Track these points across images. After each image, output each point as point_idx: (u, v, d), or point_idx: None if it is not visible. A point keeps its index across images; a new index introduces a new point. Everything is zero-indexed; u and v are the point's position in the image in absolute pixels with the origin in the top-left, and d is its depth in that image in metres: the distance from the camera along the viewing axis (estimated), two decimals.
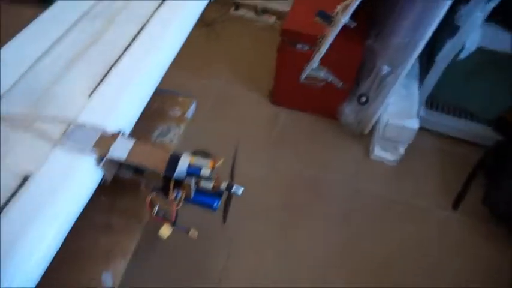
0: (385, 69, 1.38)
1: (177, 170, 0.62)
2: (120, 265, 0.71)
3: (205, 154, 0.67)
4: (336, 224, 1.51)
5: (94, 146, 0.65)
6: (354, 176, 1.66)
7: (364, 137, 1.77)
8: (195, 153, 0.67)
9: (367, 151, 1.74)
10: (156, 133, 0.86)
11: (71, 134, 0.65)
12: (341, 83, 1.42)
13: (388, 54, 1.37)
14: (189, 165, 0.62)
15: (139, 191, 0.79)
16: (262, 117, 1.84)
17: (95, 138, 0.65)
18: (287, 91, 1.81)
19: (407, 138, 1.55)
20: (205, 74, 1.97)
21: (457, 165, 1.70)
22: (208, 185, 0.66)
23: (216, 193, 0.71)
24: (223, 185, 0.67)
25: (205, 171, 0.62)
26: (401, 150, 1.63)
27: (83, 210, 0.63)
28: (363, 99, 1.47)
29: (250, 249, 1.42)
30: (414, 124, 1.50)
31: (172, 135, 0.85)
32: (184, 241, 1.37)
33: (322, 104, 1.79)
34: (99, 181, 0.66)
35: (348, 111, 1.69)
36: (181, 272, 1.34)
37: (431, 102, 1.78)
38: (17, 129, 0.68)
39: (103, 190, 0.77)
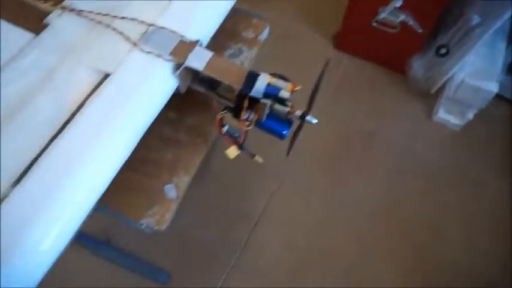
0: (475, 19, 1.23)
1: (255, 87, 0.59)
2: (185, 179, 0.71)
3: (283, 78, 0.63)
4: (385, 180, 1.46)
5: (171, 52, 0.63)
6: (411, 136, 1.58)
7: (429, 96, 1.65)
8: (272, 75, 0.63)
9: (430, 112, 1.63)
10: (228, 53, 0.82)
11: (150, 36, 0.63)
12: (421, 29, 1.29)
13: (482, 2, 1.21)
14: (268, 85, 0.59)
15: (208, 110, 0.79)
16: (322, 64, 1.74)
17: (173, 44, 0.63)
18: (354, 36, 1.69)
19: (481, 102, 1.42)
20: (269, 7, 1.87)
21: None
22: (283, 109, 0.63)
23: (287, 121, 0.68)
24: (298, 112, 0.64)
25: (284, 93, 0.59)
26: (470, 115, 1.50)
27: (154, 122, 0.63)
28: (443, 50, 1.34)
29: (295, 191, 1.42)
30: (493, 87, 1.36)
31: (244, 58, 0.82)
32: (233, 172, 1.42)
33: (390, 55, 1.66)
34: (173, 90, 0.64)
35: (418, 65, 1.56)
36: (226, 201, 1.38)
37: None
38: (95, 27, 0.67)
39: (172, 107, 0.77)
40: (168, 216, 0.68)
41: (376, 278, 1.28)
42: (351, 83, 1.69)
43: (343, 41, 1.75)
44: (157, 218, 0.67)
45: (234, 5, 0.77)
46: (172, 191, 0.70)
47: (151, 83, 0.61)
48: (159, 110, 0.63)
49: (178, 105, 0.76)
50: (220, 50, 0.82)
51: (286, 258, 1.29)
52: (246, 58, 0.82)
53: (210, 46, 0.70)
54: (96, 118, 0.58)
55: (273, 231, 1.34)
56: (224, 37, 0.84)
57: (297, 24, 1.85)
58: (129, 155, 0.60)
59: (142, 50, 0.62)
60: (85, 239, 1.22)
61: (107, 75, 0.61)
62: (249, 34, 0.85)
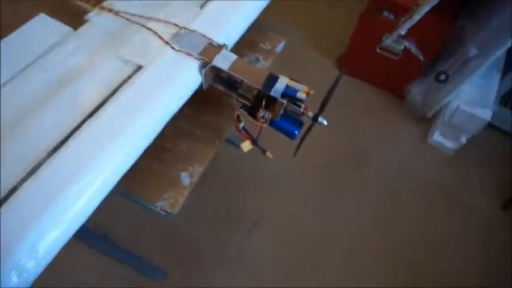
0: (473, 51, 1.33)
1: (274, 87, 0.65)
2: (197, 170, 0.77)
3: (298, 82, 0.70)
4: (377, 198, 1.52)
5: (200, 53, 0.69)
6: (405, 157, 1.64)
7: (425, 120, 1.73)
8: (291, 78, 0.70)
9: (425, 135, 1.71)
10: (246, 60, 0.89)
11: (181, 37, 0.70)
12: (422, 56, 1.38)
13: (481, 36, 1.31)
14: (287, 86, 0.66)
15: (223, 108, 0.85)
16: (326, 82, 1.82)
17: (202, 46, 0.70)
18: (357, 60, 1.78)
19: (475, 128, 1.50)
20: (275, 28, 1.97)
21: None
22: (297, 109, 0.69)
23: (298, 122, 0.74)
24: (311, 114, 0.70)
25: (301, 95, 0.65)
26: (463, 139, 1.58)
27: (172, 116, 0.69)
28: (442, 76, 1.42)
29: (289, 199, 1.46)
30: (486, 115, 1.45)
31: (260, 66, 0.89)
32: (228, 177, 1.47)
33: (391, 79, 1.75)
34: (197, 86, 0.71)
35: (416, 90, 1.65)
36: (222, 204, 1.42)
37: (507, 100, 1.70)
38: (131, 26, 0.74)
39: (188, 104, 0.83)
40: (181, 201, 0.73)
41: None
42: (349, 103, 1.77)
43: (346, 64, 1.84)
44: (171, 202, 0.72)
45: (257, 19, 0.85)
46: (186, 179, 0.75)
47: (179, 77, 0.68)
48: (183, 103, 0.69)
49: (195, 102, 0.82)
50: (239, 56, 0.89)
51: (277, 263, 1.32)
52: (262, 66, 0.89)
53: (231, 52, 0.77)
54: (125, 106, 0.63)
55: (265, 236, 1.37)
56: (243, 46, 0.91)
57: (301, 46, 1.94)
58: (150, 142, 0.65)
59: (173, 48, 0.69)
60: (82, 232, 1.25)
61: (139, 68, 0.67)
62: (266, 46, 0.93)
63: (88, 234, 1.25)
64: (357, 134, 1.68)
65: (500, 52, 1.28)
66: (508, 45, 1.30)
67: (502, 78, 1.57)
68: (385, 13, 1.54)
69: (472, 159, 1.66)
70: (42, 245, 0.49)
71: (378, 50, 1.64)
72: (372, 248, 1.40)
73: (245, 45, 0.91)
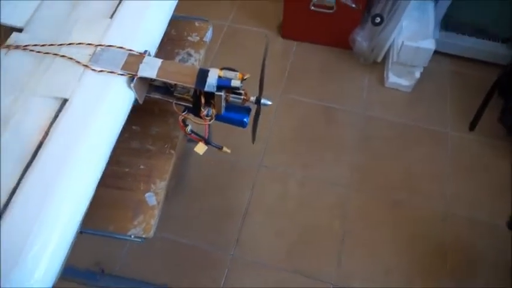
0: None
1: (207, 82, 0.63)
2: (160, 185, 0.75)
3: (231, 69, 0.68)
4: (353, 150, 1.54)
5: (123, 67, 0.66)
6: (369, 104, 1.66)
7: (378, 65, 1.75)
8: (221, 69, 0.68)
9: (382, 79, 1.72)
10: (177, 59, 0.86)
11: (99, 56, 0.66)
12: (354, 4, 1.38)
13: None
14: (219, 77, 0.63)
15: (169, 117, 0.82)
16: (273, 52, 1.81)
17: (123, 59, 0.66)
18: (297, 23, 1.77)
19: (424, 60, 1.52)
20: (210, 13, 1.91)
21: (473, 87, 1.68)
22: (238, 99, 0.67)
23: (245, 109, 0.72)
24: (253, 99, 0.69)
25: (236, 82, 0.63)
26: (417, 74, 1.61)
27: (120, 138, 0.66)
28: (378, 19, 1.43)
29: (272, 179, 1.47)
30: (430, 44, 1.47)
31: (194, 61, 0.86)
32: (208, 177, 1.46)
33: (334, 33, 1.75)
34: (131, 102, 0.68)
35: (361, 38, 1.65)
36: (208, 206, 1.41)
37: (446, 24, 1.73)
38: (44, 58, 0.69)
39: (134, 120, 0.80)
40: (154, 223, 0.71)
41: (370, 243, 1.35)
42: (302, 68, 1.76)
43: (288, 30, 1.82)
44: (144, 226, 0.70)
45: (174, 13, 0.81)
46: (152, 198, 0.73)
47: (110, 99, 0.64)
48: (122, 124, 0.66)
49: (140, 118, 0.79)
50: (170, 57, 0.86)
51: (279, 244, 1.34)
52: (196, 60, 0.86)
53: (160, 56, 0.74)
54: (64, 143, 0.60)
55: (260, 222, 1.38)
56: (171, 44, 0.87)
57: (241, 23, 1.91)
58: (101, 172, 0.62)
59: (94, 70, 0.65)
60: (81, 274, 1.23)
61: (65, 101, 0.63)
62: (194, 37, 0.89)
63: (87, 276, 1.24)
64: (317, 95, 1.68)
65: None
66: None
67: (435, 5, 1.59)
68: None
69: (429, 90, 1.70)
70: None
71: (313, 8, 1.64)
72: (363, 201, 1.43)
73: (172, 43, 0.88)
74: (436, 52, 1.52)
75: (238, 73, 0.64)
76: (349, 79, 1.74)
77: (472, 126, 1.62)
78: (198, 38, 0.89)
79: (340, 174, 1.48)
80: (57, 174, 0.57)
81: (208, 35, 0.89)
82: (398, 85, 1.68)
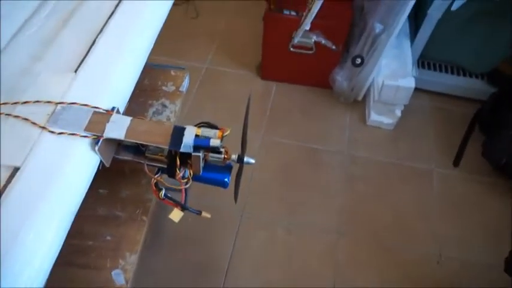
0: (378, 27, 1.33)
1: (183, 142, 0.56)
2: (130, 259, 0.65)
3: (210, 125, 0.61)
4: (339, 192, 1.48)
5: (86, 128, 0.58)
6: (352, 144, 1.63)
7: (358, 103, 1.73)
8: (198, 125, 0.61)
9: (363, 117, 1.71)
10: (151, 112, 0.79)
11: (59, 115, 0.58)
12: (334, 46, 1.37)
13: (379, 11, 1.31)
14: (196, 136, 0.56)
15: (141, 177, 0.74)
16: (254, 93, 1.77)
17: (86, 118, 0.58)
18: (276, 63, 1.75)
19: (404, 99, 1.52)
20: (187, 56, 1.88)
21: (454, 122, 1.69)
22: (218, 158, 0.60)
23: (226, 168, 0.65)
24: (234, 157, 0.62)
25: (215, 142, 0.56)
26: (398, 112, 1.60)
27: (84, 204, 0.57)
28: (358, 60, 1.42)
29: (257, 226, 1.38)
30: (410, 83, 1.47)
31: (169, 113, 0.79)
32: (189, 228, 1.36)
33: (313, 74, 1.73)
34: (96, 167, 0.59)
35: (341, 77, 1.64)
36: (191, 258, 1.31)
37: (424, 61, 1.75)
38: None
39: (101, 183, 0.71)
40: None
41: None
42: (283, 109, 1.73)
43: (267, 71, 1.80)
44: None
45: (147, 61, 0.75)
46: (120, 277, 0.63)
47: (68, 167, 0.55)
48: (85, 192, 0.57)
49: (108, 179, 0.70)
50: (142, 109, 0.79)
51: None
52: (171, 112, 0.79)
53: (132, 108, 0.67)
54: (13, 218, 0.51)
55: (247, 272, 1.28)
56: (144, 96, 0.81)
57: (219, 65, 1.88)
58: (57, 251, 0.53)
59: (52, 133, 0.57)
60: None
61: (17, 169, 0.55)
62: (169, 87, 0.83)
63: None
64: (299, 137, 1.63)
65: (402, 20, 1.29)
66: (407, 12, 1.32)
67: (412, 43, 1.61)
68: (286, 12, 1.51)
69: (411, 127, 1.68)
70: None
71: (292, 49, 1.63)
72: (352, 245, 1.36)
73: (146, 94, 0.81)
74: (416, 89, 1.52)
75: (217, 131, 0.57)
76: (331, 119, 1.71)
77: (456, 162, 1.61)
78: (173, 87, 0.82)
79: (328, 219, 1.41)
80: (5, 255, 0.48)
81: (185, 84, 0.83)
82: (380, 123, 1.66)
